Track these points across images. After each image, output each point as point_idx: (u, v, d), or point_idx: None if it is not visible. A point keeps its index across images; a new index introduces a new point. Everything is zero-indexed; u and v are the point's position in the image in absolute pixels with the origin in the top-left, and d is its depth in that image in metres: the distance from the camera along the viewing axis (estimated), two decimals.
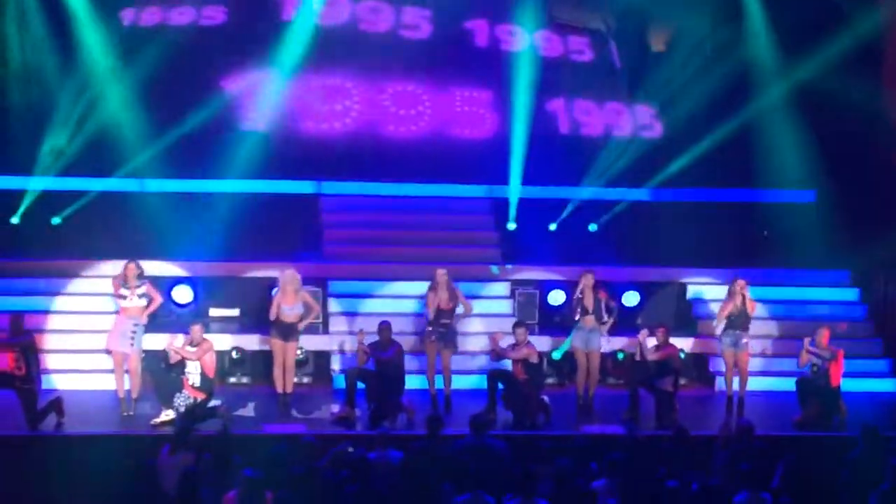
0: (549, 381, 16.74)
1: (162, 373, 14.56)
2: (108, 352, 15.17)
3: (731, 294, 15.72)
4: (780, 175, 18.95)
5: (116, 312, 15.14)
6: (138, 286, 14.92)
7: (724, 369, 15.98)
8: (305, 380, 16.68)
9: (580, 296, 15.54)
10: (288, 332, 15.22)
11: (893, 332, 17.81)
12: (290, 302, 15.18)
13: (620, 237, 18.63)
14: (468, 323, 16.79)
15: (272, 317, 15.26)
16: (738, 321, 15.68)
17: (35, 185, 18.17)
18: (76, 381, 15.95)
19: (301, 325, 15.27)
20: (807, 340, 15.20)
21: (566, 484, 10.96)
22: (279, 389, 15.30)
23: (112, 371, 15.14)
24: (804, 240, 18.69)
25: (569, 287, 16.89)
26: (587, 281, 15.53)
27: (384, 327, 14.99)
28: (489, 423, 12.58)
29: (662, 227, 18.60)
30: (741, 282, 15.71)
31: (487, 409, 14.52)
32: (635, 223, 18.94)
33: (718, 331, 15.89)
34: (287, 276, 15.28)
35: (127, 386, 14.93)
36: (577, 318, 15.54)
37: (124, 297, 14.88)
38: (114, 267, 16.15)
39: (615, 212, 19.04)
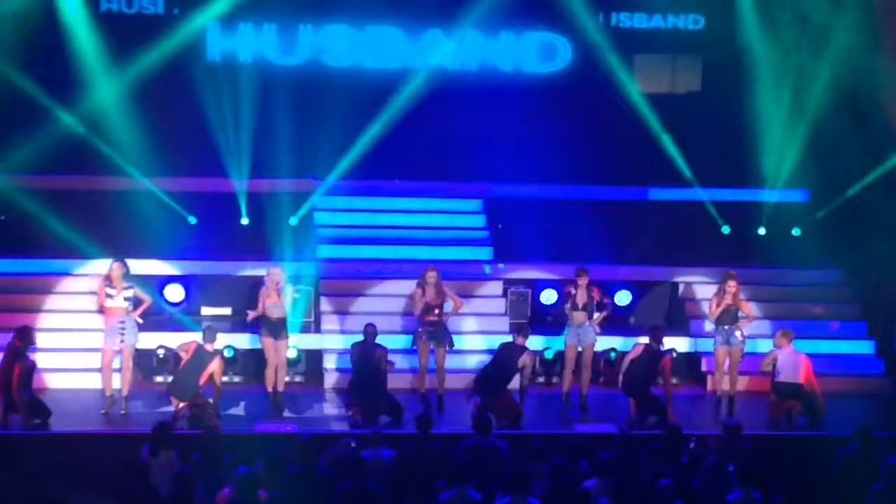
0: (540, 379, 16.77)
1: (178, 370, 14.70)
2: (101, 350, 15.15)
3: (721, 292, 15.75)
4: (773, 174, 18.98)
5: (100, 312, 15.10)
6: (125, 288, 14.92)
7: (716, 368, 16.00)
8: (298, 378, 16.67)
9: (574, 292, 15.57)
10: (276, 329, 15.24)
11: (885, 330, 17.83)
12: (274, 299, 15.23)
13: (613, 236, 18.60)
14: (462, 322, 16.79)
15: (258, 312, 15.30)
16: (728, 317, 15.71)
17: (29, 183, 18.09)
18: (67, 380, 15.92)
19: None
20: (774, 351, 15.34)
21: (559, 482, 10.96)
22: (269, 388, 15.31)
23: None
24: (797, 238, 18.73)
25: (561, 286, 16.89)
26: (582, 281, 15.55)
27: (370, 330, 15.03)
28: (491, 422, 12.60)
29: (655, 226, 18.61)
30: (732, 283, 15.72)
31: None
32: (628, 222, 18.93)
33: (711, 326, 15.92)
34: (273, 274, 15.34)
35: (116, 385, 14.94)
36: (566, 315, 15.56)
37: (111, 297, 14.87)
38: (106, 265, 16.16)
39: (608, 211, 19.03)
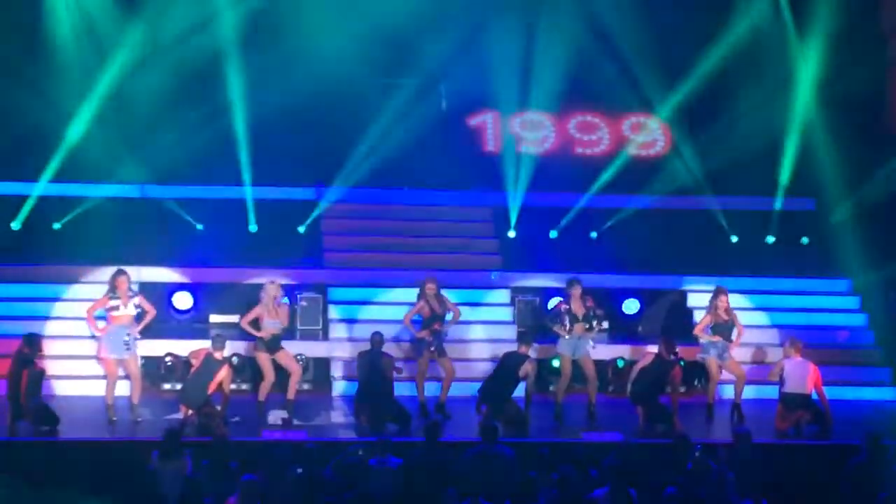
0: (551, 388, 16.76)
1: (188, 378, 14.73)
2: (99, 359, 15.15)
3: (713, 308, 15.73)
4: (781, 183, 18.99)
5: (104, 318, 15.12)
6: (131, 297, 14.93)
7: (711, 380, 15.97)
8: (305, 386, 16.66)
9: (568, 305, 15.52)
10: (271, 344, 15.22)
11: (894, 341, 17.79)
12: (273, 315, 15.22)
13: (621, 245, 18.60)
14: (469, 330, 16.78)
15: (243, 324, 15.29)
16: (723, 332, 15.69)
17: (36, 190, 18.13)
18: (74, 387, 15.95)
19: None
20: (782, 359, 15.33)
21: (567, 491, 10.95)
22: (260, 398, 15.25)
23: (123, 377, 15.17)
24: (805, 248, 18.71)
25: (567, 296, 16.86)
26: (575, 291, 15.52)
27: (377, 339, 15.03)
28: (498, 430, 12.61)
29: (663, 235, 18.60)
30: (724, 298, 15.70)
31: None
32: (636, 231, 18.92)
33: (702, 340, 15.92)
34: (271, 289, 15.29)
35: (122, 393, 14.99)
36: (566, 327, 15.47)
37: (116, 308, 14.86)
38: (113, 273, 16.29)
39: (616, 220, 19.02)
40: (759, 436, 13.64)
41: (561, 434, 14.78)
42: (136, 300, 14.96)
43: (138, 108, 18.41)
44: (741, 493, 11.41)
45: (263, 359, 15.22)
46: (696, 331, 15.93)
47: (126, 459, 12.73)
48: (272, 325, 15.17)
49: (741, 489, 11.46)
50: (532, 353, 15.20)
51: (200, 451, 12.14)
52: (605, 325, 16.65)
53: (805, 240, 18.90)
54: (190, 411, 14.33)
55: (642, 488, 11.26)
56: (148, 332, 15.25)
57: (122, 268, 15.12)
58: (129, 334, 14.80)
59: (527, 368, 14.86)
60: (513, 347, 15.39)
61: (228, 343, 15.55)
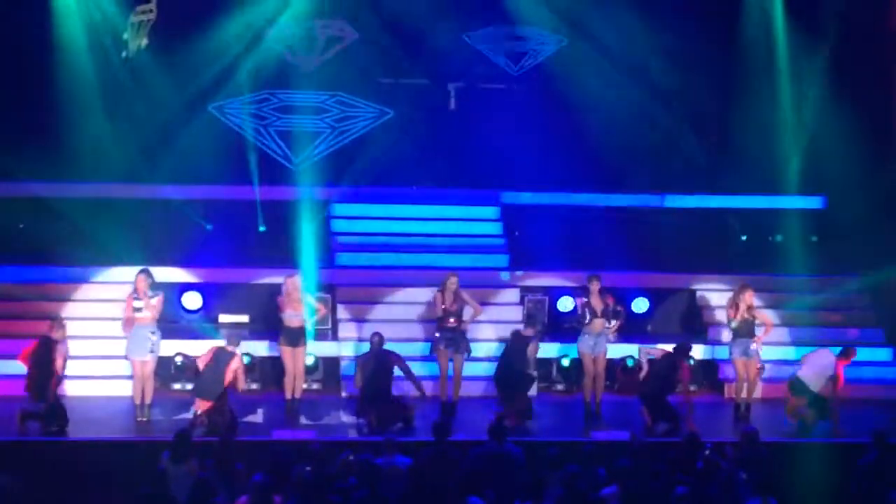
0: (559, 387, 16.78)
1: (203, 370, 14.73)
2: (127, 358, 15.21)
3: (735, 304, 15.74)
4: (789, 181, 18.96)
5: (125, 324, 15.17)
6: (153, 296, 14.97)
7: (733, 376, 16.01)
8: (315, 386, 16.69)
9: (586, 300, 15.55)
10: (294, 337, 15.27)
11: None
12: (294, 307, 15.23)
13: (630, 243, 18.58)
14: (478, 329, 16.79)
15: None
16: (745, 329, 15.69)
17: (47, 190, 18.16)
18: (88, 388, 15.99)
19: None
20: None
21: (574, 490, 10.95)
22: (288, 396, 15.35)
23: (129, 377, 15.25)
24: (814, 246, 18.67)
25: (578, 293, 16.89)
26: (594, 287, 15.53)
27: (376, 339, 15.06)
28: (507, 429, 12.63)
29: (672, 233, 18.58)
30: (748, 295, 15.70)
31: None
32: (645, 229, 18.90)
33: (728, 337, 15.94)
34: (291, 282, 15.35)
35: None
36: (585, 323, 15.54)
37: (139, 310, 14.91)
38: (124, 273, 16.29)
39: (625, 218, 19.00)
40: (770, 434, 13.65)
41: (569, 433, 14.81)
42: (154, 300, 14.98)
43: (147, 108, 18.43)
44: (750, 492, 11.38)
45: (286, 353, 15.30)
46: (733, 321, 15.90)
47: (136, 459, 12.77)
48: (292, 317, 15.22)
49: (749, 488, 11.43)
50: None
51: (207, 451, 12.16)
52: (615, 324, 16.62)
53: (814, 238, 18.84)
54: (199, 410, 14.32)
55: (652, 488, 11.25)
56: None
57: (146, 267, 15.23)
58: (152, 334, 14.87)
59: (532, 349, 14.97)
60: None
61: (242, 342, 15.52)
